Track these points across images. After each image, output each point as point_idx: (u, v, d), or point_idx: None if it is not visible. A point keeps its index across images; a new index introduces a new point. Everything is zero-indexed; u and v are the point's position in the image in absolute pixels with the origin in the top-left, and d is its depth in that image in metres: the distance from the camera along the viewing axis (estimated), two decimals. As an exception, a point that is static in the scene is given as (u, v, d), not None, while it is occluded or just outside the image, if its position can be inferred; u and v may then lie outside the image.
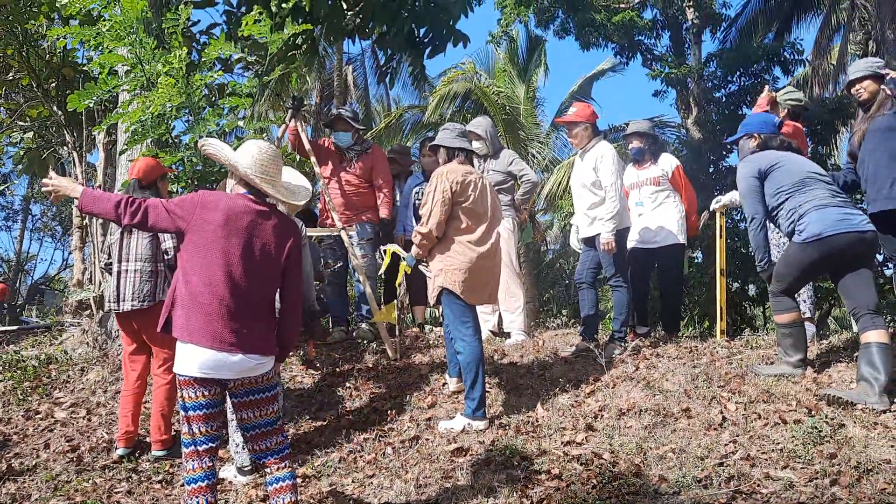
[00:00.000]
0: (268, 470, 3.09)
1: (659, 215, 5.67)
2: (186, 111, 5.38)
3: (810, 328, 5.10)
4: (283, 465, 3.07)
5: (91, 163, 9.10)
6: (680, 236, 5.67)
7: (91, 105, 5.37)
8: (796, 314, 4.23)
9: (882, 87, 4.41)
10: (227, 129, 5.71)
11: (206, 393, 2.91)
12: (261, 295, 3.02)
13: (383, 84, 21.49)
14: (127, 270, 4.50)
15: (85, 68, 7.59)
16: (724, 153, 13.83)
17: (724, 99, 14.15)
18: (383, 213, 6.07)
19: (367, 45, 18.81)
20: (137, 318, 4.49)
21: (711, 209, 5.82)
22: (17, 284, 24.92)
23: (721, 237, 5.77)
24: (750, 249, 12.29)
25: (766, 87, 5.69)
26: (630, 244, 5.61)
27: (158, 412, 4.43)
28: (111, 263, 4.63)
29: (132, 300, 4.44)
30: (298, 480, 3.10)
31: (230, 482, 3.96)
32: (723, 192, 5.98)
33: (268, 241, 3.02)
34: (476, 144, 5.80)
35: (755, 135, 4.50)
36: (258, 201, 3.10)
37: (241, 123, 5.94)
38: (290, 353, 3.26)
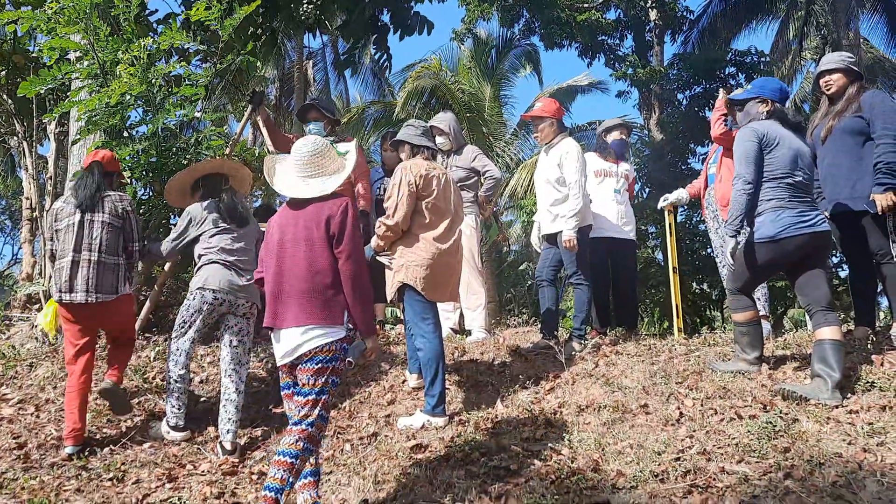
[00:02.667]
0: None
1: (622, 208, 5.80)
2: (142, 101, 5.26)
3: (766, 326, 5.18)
4: (288, 438, 3.09)
5: (42, 154, 8.84)
6: (632, 234, 5.83)
7: (42, 92, 5.21)
8: (753, 312, 4.27)
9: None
10: (185, 120, 5.60)
11: (284, 376, 3.30)
12: (310, 272, 3.21)
13: (343, 80, 21.39)
14: (89, 261, 4.41)
15: (36, 55, 7.36)
16: (687, 154, 14.03)
17: (686, 101, 14.37)
18: (361, 204, 5.84)
19: (327, 40, 18.66)
20: (98, 311, 4.43)
21: (659, 207, 5.92)
22: (-34, 279, 24.09)
23: (671, 235, 5.85)
24: (708, 250, 12.52)
25: (722, 90, 5.77)
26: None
27: None
28: (57, 250, 4.52)
29: (96, 292, 4.38)
30: (279, 474, 3.00)
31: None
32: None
33: (308, 225, 3.27)
34: (439, 140, 5.77)
35: (769, 101, 4.23)
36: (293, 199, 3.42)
37: (198, 115, 5.81)
38: (372, 322, 3.40)
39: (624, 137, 6.00)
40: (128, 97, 4.95)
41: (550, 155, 5.22)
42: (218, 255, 4.54)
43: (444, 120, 5.97)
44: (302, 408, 3.14)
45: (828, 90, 4.68)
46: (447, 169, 5.72)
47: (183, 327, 4.48)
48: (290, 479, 3.03)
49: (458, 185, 5.31)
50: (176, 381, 4.45)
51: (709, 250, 12.53)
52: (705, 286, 13.71)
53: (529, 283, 18.93)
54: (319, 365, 3.14)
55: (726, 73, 13.93)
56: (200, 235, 4.62)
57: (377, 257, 4.47)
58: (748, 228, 4.12)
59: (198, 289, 4.47)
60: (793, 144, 4.07)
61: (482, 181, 5.93)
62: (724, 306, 14.91)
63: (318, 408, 3.15)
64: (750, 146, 4.05)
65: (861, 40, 15.46)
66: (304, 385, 3.16)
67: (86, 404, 4.41)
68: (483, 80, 17.50)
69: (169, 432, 4.44)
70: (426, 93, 16.50)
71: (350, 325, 3.24)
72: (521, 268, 20.15)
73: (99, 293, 4.38)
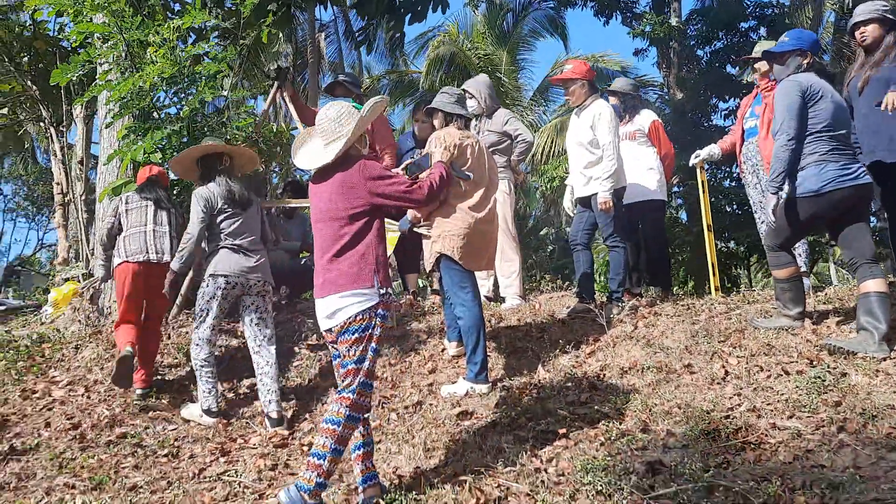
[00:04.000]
0: None
1: (636, 171, 5.67)
2: (170, 82, 5.27)
3: (806, 282, 5.14)
4: (333, 406, 3.13)
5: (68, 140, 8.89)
6: (660, 192, 5.70)
7: (73, 78, 5.24)
8: (794, 268, 4.24)
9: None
10: (209, 99, 5.61)
11: (332, 346, 3.35)
12: (336, 241, 3.26)
13: (355, 51, 21.18)
14: (164, 233, 5.03)
15: (61, 37, 7.37)
16: (710, 111, 13.79)
17: (707, 57, 14.10)
18: None
19: (338, 11, 18.44)
20: (158, 272, 4.87)
21: (691, 164, 5.83)
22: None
23: (704, 192, 5.78)
24: (735, 208, 12.33)
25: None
26: None
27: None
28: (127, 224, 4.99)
29: (167, 255, 4.95)
30: (324, 443, 3.02)
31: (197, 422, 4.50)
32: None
33: (332, 197, 3.29)
34: (469, 103, 5.71)
35: (809, 54, 4.18)
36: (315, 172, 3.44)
37: (224, 93, 5.82)
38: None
39: (614, 103, 5.89)
40: (158, 79, 4.96)
41: (582, 117, 5.15)
42: (225, 239, 4.62)
43: (472, 84, 5.90)
44: (344, 378, 3.19)
45: (863, 42, 4.56)
46: (479, 134, 5.69)
47: (201, 315, 4.58)
48: (334, 446, 3.02)
49: (490, 149, 5.26)
50: (202, 366, 4.55)
51: (734, 207, 12.40)
52: (732, 244, 13.57)
53: (551, 248, 18.86)
54: (356, 335, 3.15)
55: (746, 26, 13.64)
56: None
57: (415, 229, 4.48)
58: (787, 184, 4.07)
59: (210, 276, 4.58)
60: (834, 97, 4.01)
61: (514, 145, 5.87)
62: (752, 264, 14.79)
63: (360, 376, 3.15)
64: (794, 100, 3.97)
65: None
66: (344, 357, 3.19)
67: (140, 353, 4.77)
68: (499, 45, 17.24)
69: (202, 416, 4.50)
70: (445, 61, 16.31)
71: (382, 290, 3.21)
72: (541, 233, 20.07)
73: (170, 257, 4.91)
